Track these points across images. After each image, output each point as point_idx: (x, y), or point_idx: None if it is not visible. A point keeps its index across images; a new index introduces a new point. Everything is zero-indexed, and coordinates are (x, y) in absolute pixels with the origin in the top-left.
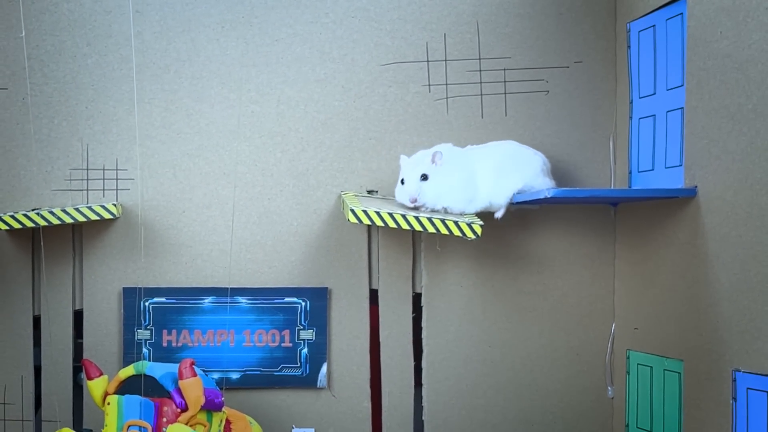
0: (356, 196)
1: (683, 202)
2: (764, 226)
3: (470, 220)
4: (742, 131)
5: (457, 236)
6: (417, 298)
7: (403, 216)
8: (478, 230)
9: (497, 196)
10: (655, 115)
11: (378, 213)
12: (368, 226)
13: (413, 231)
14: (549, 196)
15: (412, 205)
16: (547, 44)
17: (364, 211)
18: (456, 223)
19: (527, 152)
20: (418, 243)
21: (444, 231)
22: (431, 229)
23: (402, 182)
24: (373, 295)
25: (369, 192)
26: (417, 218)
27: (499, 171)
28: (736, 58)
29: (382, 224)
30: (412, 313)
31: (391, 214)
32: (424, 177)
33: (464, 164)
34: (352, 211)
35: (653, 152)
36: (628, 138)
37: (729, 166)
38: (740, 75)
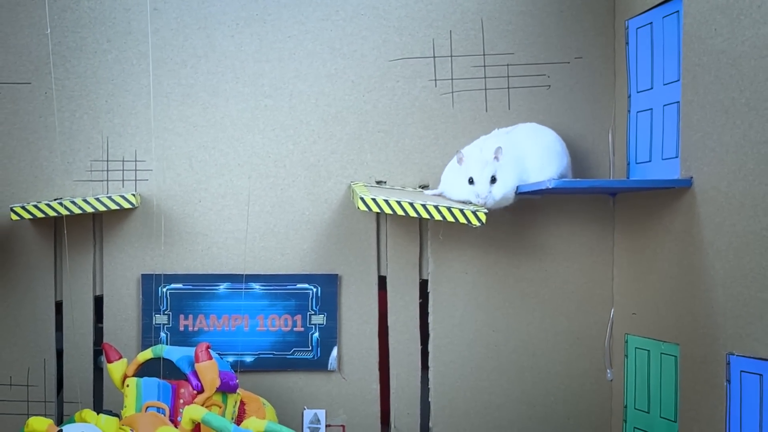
0: (365, 185)
1: (679, 193)
2: (757, 216)
3: (475, 208)
4: (735, 124)
5: (463, 223)
6: (424, 285)
7: (411, 204)
8: (483, 218)
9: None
10: (652, 108)
11: (386, 201)
12: (377, 215)
13: (420, 220)
14: (550, 187)
15: (480, 203)
16: (548, 41)
17: (373, 199)
18: (461, 210)
19: (560, 142)
20: (425, 232)
21: (450, 218)
22: (438, 217)
23: (471, 181)
24: (382, 282)
25: (378, 182)
26: (424, 206)
27: (543, 160)
28: (729, 54)
29: (390, 212)
30: (419, 298)
31: (399, 202)
32: (494, 180)
33: (515, 156)
34: (362, 199)
35: (650, 144)
36: (627, 131)
37: (723, 157)
38: (734, 70)
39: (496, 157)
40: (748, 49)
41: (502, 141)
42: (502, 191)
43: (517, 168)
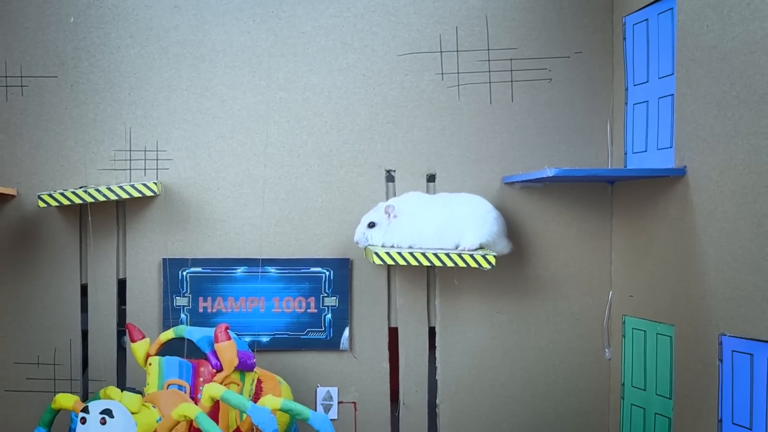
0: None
1: (674, 181)
2: (747, 203)
3: (484, 252)
4: (726, 116)
5: (474, 267)
6: (431, 269)
7: (423, 254)
8: (492, 260)
9: (468, 243)
10: (648, 101)
11: (400, 254)
12: (386, 188)
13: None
14: (551, 175)
15: (355, 242)
16: (550, 36)
17: (387, 253)
18: (472, 256)
19: (495, 213)
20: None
21: (462, 264)
22: (450, 264)
23: (369, 224)
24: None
25: (388, 171)
26: (436, 254)
27: (477, 223)
28: (721, 50)
29: (405, 263)
30: (426, 282)
31: (411, 254)
32: (372, 225)
33: (444, 216)
34: (376, 254)
35: (646, 135)
36: (624, 122)
37: (715, 147)
38: (725, 65)
39: (386, 212)
40: (738, 44)
41: (442, 200)
42: (382, 240)
43: (414, 228)
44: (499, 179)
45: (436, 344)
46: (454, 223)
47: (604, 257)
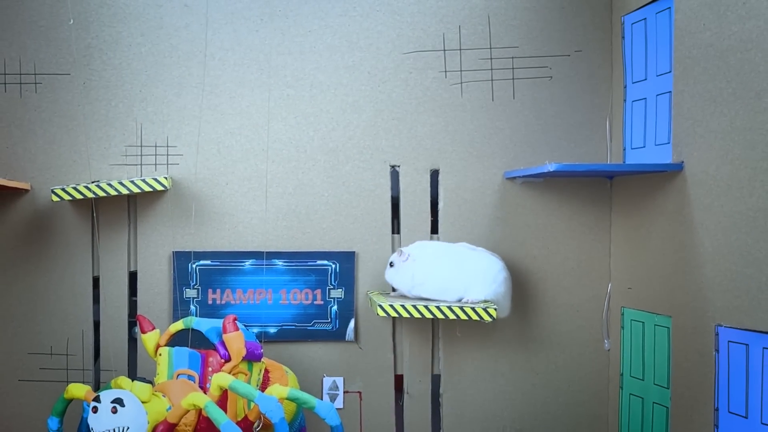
0: (381, 293)
1: (671, 176)
2: (743, 197)
3: (485, 305)
4: (723, 113)
5: (476, 320)
6: None
7: (426, 306)
8: (493, 313)
9: (473, 296)
10: (646, 98)
11: (403, 306)
12: (392, 208)
13: (431, 209)
14: (552, 170)
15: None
16: (550, 35)
17: (391, 305)
18: (473, 308)
19: (505, 273)
20: (435, 214)
21: (463, 317)
22: (452, 316)
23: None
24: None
25: (392, 166)
26: (438, 307)
27: (485, 279)
28: (717, 48)
29: (408, 315)
30: None
31: (414, 306)
32: (391, 264)
33: (455, 265)
34: (380, 306)
35: (644, 131)
36: (623, 118)
37: (711, 143)
38: (721, 62)
39: (404, 257)
40: (734, 42)
41: (457, 254)
42: (391, 279)
43: (419, 276)
44: (501, 174)
45: (439, 335)
46: (461, 277)
47: (604, 250)
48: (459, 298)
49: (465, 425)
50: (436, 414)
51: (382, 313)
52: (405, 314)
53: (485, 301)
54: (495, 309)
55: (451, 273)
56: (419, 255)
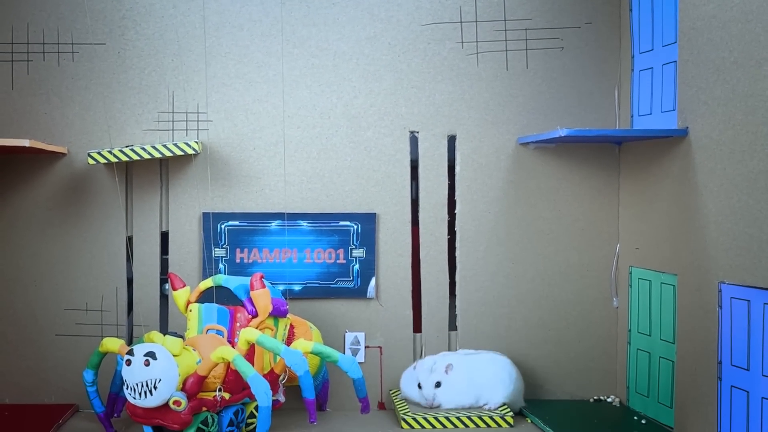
0: (404, 401)
1: (677, 141)
2: (744, 161)
3: (502, 413)
4: (725, 80)
5: (493, 428)
6: (452, 222)
7: (447, 417)
8: (511, 421)
9: (493, 402)
10: (652, 67)
11: (425, 418)
12: (411, 172)
13: (448, 172)
14: (563, 135)
15: (426, 405)
16: (562, 8)
17: (413, 418)
18: (491, 417)
19: (510, 371)
20: (452, 177)
21: (482, 425)
22: (471, 426)
23: (419, 386)
24: (415, 219)
25: (411, 132)
26: (458, 418)
27: (495, 382)
28: (720, 18)
29: (431, 427)
30: (448, 235)
31: (436, 418)
32: (438, 385)
33: (469, 374)
34: (404, 419)
35: (651, 99)
36: (630, 87)
37: (715, 110)
38: (724, 33)
39: (446, 371)
40: (736, 14)
41: (460, 360)
42: (447, 395)
43: (471, 385)
44: (515, 140)
45: (456, 293)
46: (474, 385)
47: (612, 212)
48: (476, 400)
49: None
50: None
51: (406, 426)
52: (429, 428)
53: (503, 405)
54: (512, 416)
55: (467, 383)
56: (429, 362)
